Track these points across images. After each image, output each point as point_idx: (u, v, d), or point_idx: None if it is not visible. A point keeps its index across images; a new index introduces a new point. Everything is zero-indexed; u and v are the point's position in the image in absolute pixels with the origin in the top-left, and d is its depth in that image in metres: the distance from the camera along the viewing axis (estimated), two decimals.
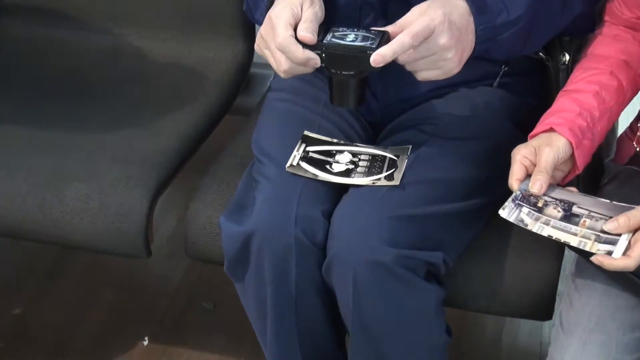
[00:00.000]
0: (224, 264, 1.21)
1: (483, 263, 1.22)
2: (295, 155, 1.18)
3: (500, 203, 1.07)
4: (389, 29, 1.07)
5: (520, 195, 1.07)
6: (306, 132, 1.22)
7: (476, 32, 1.09)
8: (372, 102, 1.29)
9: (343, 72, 1.08)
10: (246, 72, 1.66)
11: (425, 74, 1.08)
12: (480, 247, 1.23)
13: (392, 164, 1.17)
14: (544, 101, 1.23)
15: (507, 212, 1.06)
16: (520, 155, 1.08)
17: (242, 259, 1.17)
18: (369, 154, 1.19)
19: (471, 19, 1.09)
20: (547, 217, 1.05)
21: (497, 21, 1.10)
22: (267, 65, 1.14)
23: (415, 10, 1.06)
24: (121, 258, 1.42)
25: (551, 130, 1.09)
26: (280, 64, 1.08)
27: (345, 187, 1.17)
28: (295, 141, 1.21)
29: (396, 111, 1.29)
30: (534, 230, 1.04)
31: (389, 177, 1.15)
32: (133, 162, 1.38)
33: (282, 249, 1.13)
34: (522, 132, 1.19)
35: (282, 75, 1.10)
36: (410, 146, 1.20)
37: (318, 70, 1.09)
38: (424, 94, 1.27)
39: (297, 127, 1.24)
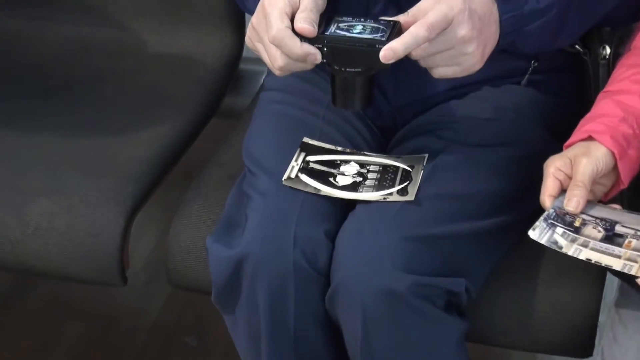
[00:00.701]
0: (211, 293, 1.22)
1: (511, 291, 1.23)
2: (293, 166, 1.19)
3: (530, 221, 1.08)
4: (401, 18, 1.08)
5: (554, 214, 1.08)
6: (305, 139, 1.23)
7: (500, 22, 1.10)
8: (382, 103, 1.30)
9: (348, 69, 1.09)
10: (235, 68, 1.67)
11: (443, 71, 1.10)
12: (508, 272, 1.24)
13: (406, 176, 1.18)
14: (582, 103, 1.24)
15: (538, 232, 1.06)
16: (554, 168, 1.08)
17: (232, 287, 1.18)
18: (379, 164, 1.21)
19: (494, 7, 1.10)
20: (585, 238, 1.06)
21: (524, 9, 1.12)
22: (260, 61, 1.14)
23: None
24: (91, 287, 1.43)
25: (590, 138, 1.10)
26: (275, 60, 1.09)
27: (351, 204, 1.18)
28: (293, 149, 1.22)
29: (410, 114, 1.30)
30: (570, 253, 1.05)
31: (403, 192, 1.16)
32: (105, 174, 1.39)
33: (279, 276, 1.14)
34: (556, 139, 1.20)
35: (277, 72, 1.11)
36: (427, 155, 1.21)
37: (319, 66, 1.10)
38: (441, 93, 1.28)
39: (295, 132, 1.25)
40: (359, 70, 1.09)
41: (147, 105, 1.55)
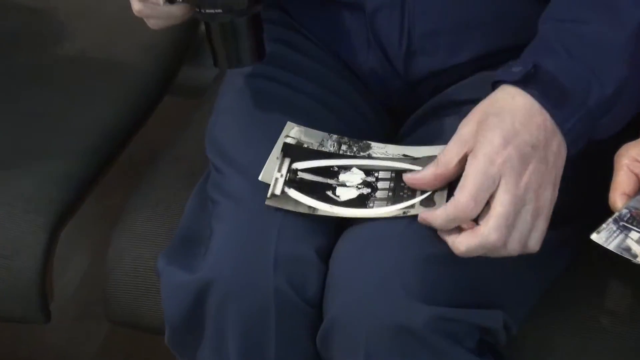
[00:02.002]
0: (163, 332, 1.22)
1: (565, 325, 1.24)
2: (277, 179, 1.17)
3: (591, 231, 1.08)
4: (431, 171, 1.11)
5: (628, 215, 1.08)
6: (290, 124, 1.22)
7: (563, 134, 1.09)
8: (390, 77, 1.30)
9: (217, 11, 1.09)
10: (195, 30, 1.67)
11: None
12: (560, 302, 1.24)
13: None
14: None
15: (605, 236, 1.06)
16: (629, 159, 1.09)
17: (193, 324, 1.18)
18: (391, 170, 1.18)
19: (546, 118, 1.08)
20: None
21: (589, 104, 1.10)
22: None
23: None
24: (5, 324, 1.42)
25: None
26: (133, 4, 1.14)
27: None
28: (272, 139, 1.21)
29: (427, 90, 1.31)
30: None
31: (427, 202, 1.14)
32: (21, 173, 1.39)
33: (256, 308, 1.14)
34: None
35: (150, 24, 1.15)
36: None
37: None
38: (467, 64, 1.28)
39: (276, 115, 1.24)
40: (239, 8, 1.09)
41: (79, 80, 1.56)
